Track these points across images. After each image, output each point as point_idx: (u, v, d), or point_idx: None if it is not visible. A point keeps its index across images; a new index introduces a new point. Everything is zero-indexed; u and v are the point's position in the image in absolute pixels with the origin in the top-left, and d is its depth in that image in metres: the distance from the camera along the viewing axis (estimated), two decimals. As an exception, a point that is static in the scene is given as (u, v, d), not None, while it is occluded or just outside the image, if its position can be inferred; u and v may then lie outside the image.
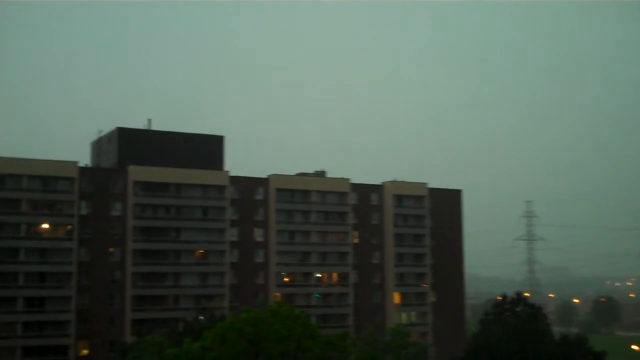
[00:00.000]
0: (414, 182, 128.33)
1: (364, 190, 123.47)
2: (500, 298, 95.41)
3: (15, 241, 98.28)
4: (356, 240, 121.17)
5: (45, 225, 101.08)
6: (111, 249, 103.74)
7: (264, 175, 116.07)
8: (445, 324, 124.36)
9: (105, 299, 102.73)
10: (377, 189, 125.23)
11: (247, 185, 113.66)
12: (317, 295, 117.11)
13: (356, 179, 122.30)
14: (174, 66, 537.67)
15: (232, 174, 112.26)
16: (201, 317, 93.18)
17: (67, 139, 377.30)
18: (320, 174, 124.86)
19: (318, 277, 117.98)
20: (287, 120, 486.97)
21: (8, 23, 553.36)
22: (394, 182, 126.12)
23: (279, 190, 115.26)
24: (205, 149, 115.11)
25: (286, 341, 55.60)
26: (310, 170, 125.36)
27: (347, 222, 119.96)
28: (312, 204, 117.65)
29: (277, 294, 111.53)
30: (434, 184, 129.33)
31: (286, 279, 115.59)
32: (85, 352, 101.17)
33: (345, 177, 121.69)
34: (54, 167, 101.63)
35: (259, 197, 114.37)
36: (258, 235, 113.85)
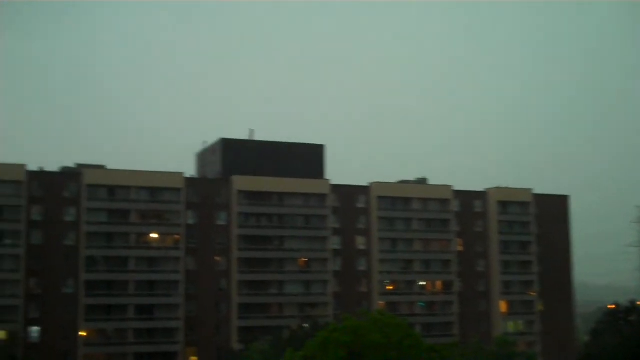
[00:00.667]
0: (519, 188, 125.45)
1: (466, 197, 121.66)
2: (612, 307, 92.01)
3: (126, 250, 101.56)
4: (460, 248, 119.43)
5: (154, 235, 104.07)
6: (217, 258, 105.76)
7: (365, 183, 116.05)
8: (553, 333, 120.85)
9: (212, 306, 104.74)
10: (481, 195, 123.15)
11: (348, 193, 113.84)
12: (422, 304, 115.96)
13: (458, 186, 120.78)
14: (274, 75, 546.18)
15: (333, 182, 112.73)
16: (305, 325, 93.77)
17: (172, 151, 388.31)
18: (422, 181, 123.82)
19: (421, 285, 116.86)
20: (388, 128, 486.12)
21: (110, 30, 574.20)
22: (498, 188, 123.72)
23: (380, 198, 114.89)
24: (307, 158, 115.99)
25: (386, 349, 55.14)
26: (412, 178, 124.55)
27: (450, 229, 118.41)
28: (414, 211, 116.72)
29: (381, 302, 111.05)
30: (539, 189, 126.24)
31: (389, 287, 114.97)
32: (193, 358, 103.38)
33: (448, 184, 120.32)
34: (161, 178, 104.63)
35: (361, 205, 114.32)
36: (360, 243, 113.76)
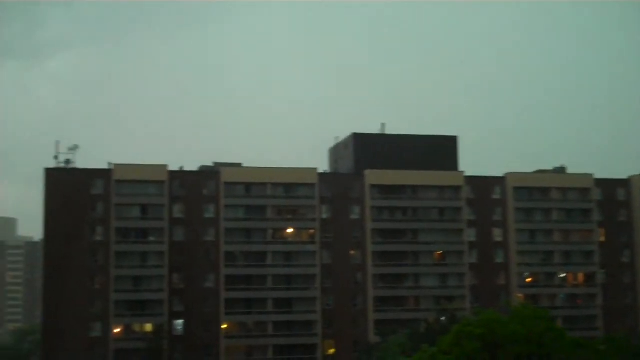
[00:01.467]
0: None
1: (609, 185, 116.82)
2: None
3: (263, 245, 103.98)
4: (602, 239, 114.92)
5: (290, 230, 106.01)
6: (352, 252, 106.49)
7: (500, 174, 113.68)
8: None
9: (348, 300, 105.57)
10: (624, 183, 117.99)
11: (483, 184, 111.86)
12: (562, 296, 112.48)
13: (599, 174, 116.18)
14: (401, 70, 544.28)
15: (467, 173, 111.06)
16: (442, 318, 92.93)
17: (306, 147, 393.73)
18: (560, 170, 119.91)
19: (562, 277, 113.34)
20: (521, 116, 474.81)
21: (239, 29, 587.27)
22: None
23: (516, 188, 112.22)
24: (439, 150, 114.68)
25: (524, 342, 53.72)
26: (549, 167, 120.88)
27: (591, 219, 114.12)
28: (552, 201, 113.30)
29: (519, 295, 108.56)
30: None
31: (528, 280, 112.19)
32: (331, 351, 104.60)
33: (588, 172, 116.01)
34: (295, 174, 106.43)
35: (496, 196, 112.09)
36: (497, 235, 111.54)
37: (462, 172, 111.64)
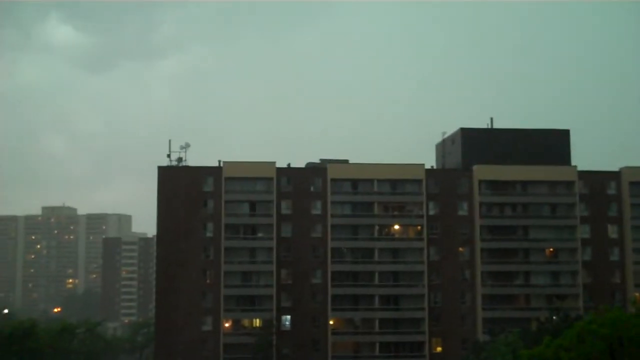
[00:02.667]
0: None
1: None
2: None
3: (370, 242, 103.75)
4: None
5: (396, 226, 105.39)
6: (460, 249, 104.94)
7: (615, 168, 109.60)
8: None
9: (456, 297, 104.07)
10: None
11: (597, 179, 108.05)
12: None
13: None
14: (511, 64, 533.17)
15: (580, 168, 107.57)
16: (555, 317, 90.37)
17: (412, 143, 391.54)
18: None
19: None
20: (637, 108, 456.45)
21: (341, 29, 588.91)
22: None
23: (632, 183, 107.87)
24: (550, 144, 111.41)
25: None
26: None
27: None
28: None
29: (636, 294, 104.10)
30: None
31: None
32: (438, 349, 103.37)
33: None
34: (402, 170, 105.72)
35: (611, 191, 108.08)
36: (612, 232, 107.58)
37: (575, 166, 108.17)
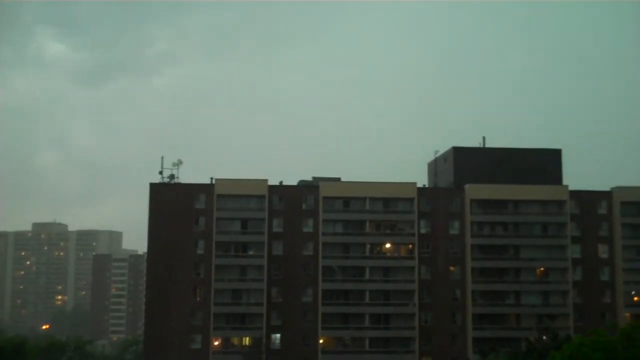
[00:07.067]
0: None
1: None
2: None
3: (361, 260, 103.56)
4: None
5: (388, 245, 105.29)
6: (451, 268, 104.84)
7: (606, 188, 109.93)
8: None
9: (447, 316, 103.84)
10: None
11: (588, 199, 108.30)
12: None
13: None
14: (504, 82, 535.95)
15: (572, 187, 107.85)
16: (544, 337, 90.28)
17: (404, 161, 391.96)
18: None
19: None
20: (629, 128, 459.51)
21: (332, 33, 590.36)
22: None
23: (623, 203, 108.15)
24: (542, 164, 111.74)
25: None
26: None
27: None
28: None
29: (626, 314, 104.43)
30: None
31: (636, 299, 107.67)
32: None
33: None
34: (394, 188, 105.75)
35: (602, 211, 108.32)
36: (602, 251, 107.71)
37: (566, 186, 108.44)
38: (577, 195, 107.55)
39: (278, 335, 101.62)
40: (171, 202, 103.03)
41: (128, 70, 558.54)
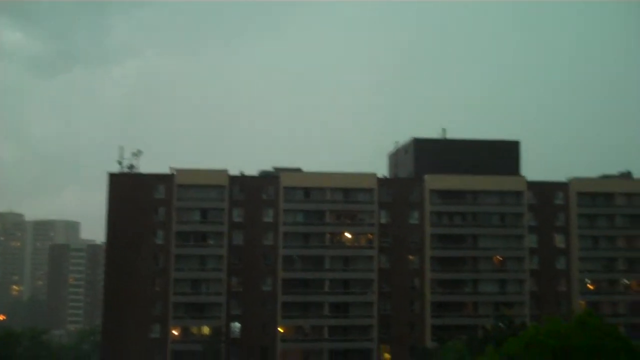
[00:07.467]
0: None
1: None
2: None
3: (321, 250, 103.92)
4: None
5: (348, 235, 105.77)
6: (410, 257, 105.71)
7: (563, 179, 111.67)
8: None
9: (406, 305, 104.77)
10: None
11: (545, 190, 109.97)
12: None
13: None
14: (465, 72, 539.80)
15: (530, 179, 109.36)
16: (501, 325, 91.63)
17: (365, 152, 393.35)
18: (626, 175, 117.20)
19: (626, 284, 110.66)
20: (585, 121, 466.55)
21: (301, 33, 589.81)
22: None
23: (579, 194, 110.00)
24: (501, 155, 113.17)
25: (596, 355, 52.15)
26: (614, 172, 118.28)
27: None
28: (616, 207, 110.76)
29: (581, 302, 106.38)
30: None
31: (590, 287, 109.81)
32: (387, 356, 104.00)
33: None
34: (354, 179, 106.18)
35: (559, 202, 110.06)
36: (559, 241, 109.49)
37: (524, 177, 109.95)
38: (534, 186, 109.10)
39: (238, 324, 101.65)
40: (130, 192, 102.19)
41: (86, 60, 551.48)
